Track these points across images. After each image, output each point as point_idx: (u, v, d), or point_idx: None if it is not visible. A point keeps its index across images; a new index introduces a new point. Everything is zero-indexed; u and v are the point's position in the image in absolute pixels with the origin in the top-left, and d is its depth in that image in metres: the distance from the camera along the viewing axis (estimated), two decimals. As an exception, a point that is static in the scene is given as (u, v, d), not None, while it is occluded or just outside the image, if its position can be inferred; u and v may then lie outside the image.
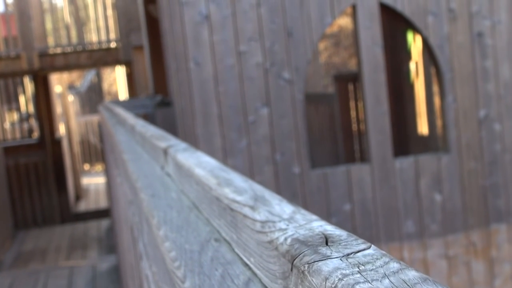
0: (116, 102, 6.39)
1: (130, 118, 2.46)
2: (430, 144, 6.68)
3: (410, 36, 6.81)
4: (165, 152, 1.37)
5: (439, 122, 6.59)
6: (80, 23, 9.60)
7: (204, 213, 0.95)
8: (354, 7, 5.21)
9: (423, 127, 6.90)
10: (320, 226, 0.55)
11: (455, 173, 5.35)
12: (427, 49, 5.45)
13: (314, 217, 0.58)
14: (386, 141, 5.25)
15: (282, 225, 0.58)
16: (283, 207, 0.64)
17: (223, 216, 0.79)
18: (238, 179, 0.84)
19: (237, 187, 0.78)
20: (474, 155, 5.39)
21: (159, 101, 5.22)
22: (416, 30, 5.37)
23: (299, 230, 0.54)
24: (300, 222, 0.57)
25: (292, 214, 0.61)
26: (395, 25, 6.61)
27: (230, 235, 0.76)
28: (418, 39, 6.50)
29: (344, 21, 18.47)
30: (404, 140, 6.97)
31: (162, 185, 1.29)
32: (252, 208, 0.66)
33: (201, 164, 1.03)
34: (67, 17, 9.60)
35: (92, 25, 10.05)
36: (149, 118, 5.63)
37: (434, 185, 5.31)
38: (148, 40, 7.45)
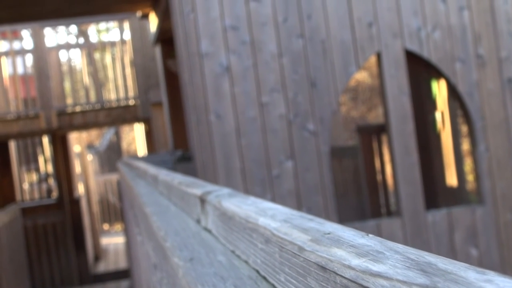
0: (135, 157, 6.23)
1: (151, 169, 2.25)
2: (460, 196, 6.42)
3: (434, 85, 6.63)
4: (202, 200, 1.07)
5: (468, 173, 6.34)
6: (99, 83, 9.56)
7: None
8: (378, 55, 5.05)
9: (451, 178, 6.65)
10: None
11: (491, 226, 5.07)
12: (456, 97, 5.26)
13: None
14: (417, 193, 5.01)
15: None
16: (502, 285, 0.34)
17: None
18: (347, 232, 0.54)
19: (356, 246, 0.48)
20: (510, 206, 5.11)
21: (179, 156, 5.04)
22: (443, 77, 5.19)
23: None
24: None
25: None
26: (419, 73, 6.45)
27: None
28: (443, 87, 6.32)
29: (362, 76, 18.43)
30: (433, 192, 6.71)
31: (201, 244, 0.96)
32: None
33: (265, 212, 0.72)
34: (86, 79, 9.57)
35: (110, 85, 10.03)
36: (169, 174, 5.44)
37: (469, 239, 5.03)
38: (167, 95, 7.34)
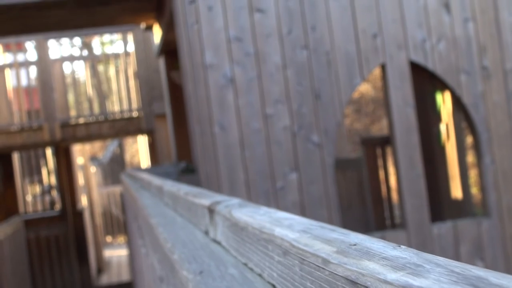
0: (139, 169, 6.21)
1: (155, 180, 2.22)
2: (465, 208, 6.38)
3: (439, 96, 6.61)
4: (211, 210, 1.02)
5: (474, 185, 6.30)
6: (103, 95, 9.56)
7: None
8: (383, 67, 5.04)
9: (456, 191, 6.61)
10: None
11: (497, 239, 5.03)
12: (461, 109, 5.23)
13: None
14: (422, 205, 4.97)
15: None
16: None
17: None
18: (376, 243, 0.49)
19: (390, 259, 0.44)
20: (516, 219, 5.07)
21: (183, 168, 5.02)
22: (448, 89, 5.17)
23: None
24: None
25: None
26: (423, 85, 6.43)
27: None
28: (448, 99, 6.29)
29: (365, 88, 18.42)
30: (438, 204, 6.67)
31: (211, 257, 0.90)
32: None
33: (280, 222, 0.67)
34: (90, 91, 9.58)
35: (114, 97, 10.03)
36: (172, 186, 5.40)
37: (475, 252, 4.99)
38: (170, 107, 7.33)
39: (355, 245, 0.50)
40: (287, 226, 0.65)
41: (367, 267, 0.45)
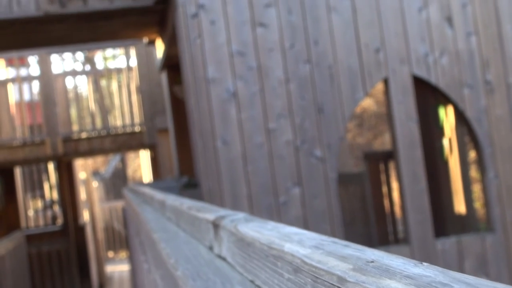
0: (141, 184, 6.19)
1: (158, 194, 2.20)
2: (468, 224, 6.34)
3: (442, 111, 6.59)
4: (216, 225, 0.98)
5: (477, 200, 6.26)
6: (105, 110, 9.57)
7: None
8: (386, 81, 5.02)
9: (460, 206, 6.57)
10: None
11: (501, 254, 4.99)
12: (465, 123, 5.21)
13: None
14: (426, 220, 4.94)
15: None
16: None
17: None
18: (395, 260, 0.46)
19: (412, 277, 0.40)
20: (521, 234, 5.04)
21: (185, 182, 5.00)
22: (451, 103, 5.16)
23: None
24: None
25: None
26: (426, 99, 6.42)
27: None
28: (451, 113, 6.28)
29: (367, 102, 18.42)
30: (441, 219, 6.63)
31: (216, 273, 0.86)
32: None
33: (290, 237, 0.63)
34: (92, 105, 9.58)
35: (116, 111, 10.04)
36: (175, 200, 5.37)
37: (479, 268, 4.95)
38: (173, 121, 7.32)
39: (372, 262, 0.47)
40: (297, 242, 0.63)
41: (388, 287, 0.41)
